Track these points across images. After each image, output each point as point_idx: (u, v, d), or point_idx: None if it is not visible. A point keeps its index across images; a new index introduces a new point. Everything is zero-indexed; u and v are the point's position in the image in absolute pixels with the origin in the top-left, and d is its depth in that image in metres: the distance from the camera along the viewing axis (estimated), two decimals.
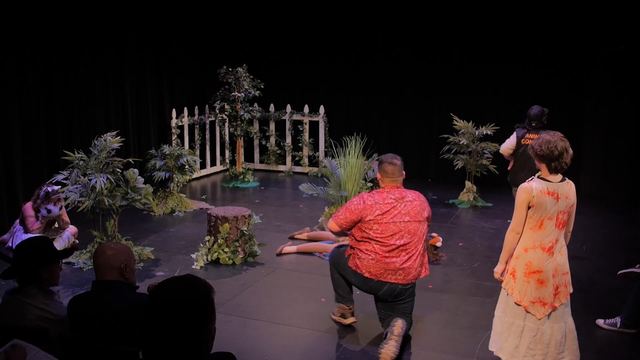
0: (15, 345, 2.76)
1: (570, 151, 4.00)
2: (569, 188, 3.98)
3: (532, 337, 3.97)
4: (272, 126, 11.03)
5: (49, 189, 6.46)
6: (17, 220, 6.76)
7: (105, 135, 6.37)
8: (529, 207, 3.93)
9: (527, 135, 6.81)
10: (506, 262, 4.08)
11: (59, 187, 6.41)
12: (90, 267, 6.03)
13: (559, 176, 3.98)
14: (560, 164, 3.93)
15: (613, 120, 9.18)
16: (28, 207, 6.57)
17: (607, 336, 4.90)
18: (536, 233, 3.95)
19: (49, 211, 6.45)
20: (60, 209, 6.53)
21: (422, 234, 4.69)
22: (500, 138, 8.08)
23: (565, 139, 4.00)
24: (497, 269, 4.15)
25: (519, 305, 3.99)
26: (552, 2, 9.37)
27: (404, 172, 4.81)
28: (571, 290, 4.07)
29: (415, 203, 4.68)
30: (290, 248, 6.81)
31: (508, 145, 7.04)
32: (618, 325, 4.93)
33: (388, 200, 4.64)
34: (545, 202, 3.88)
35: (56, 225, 6.65)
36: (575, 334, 4.09)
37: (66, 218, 6.71)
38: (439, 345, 4.73)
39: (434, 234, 6.64)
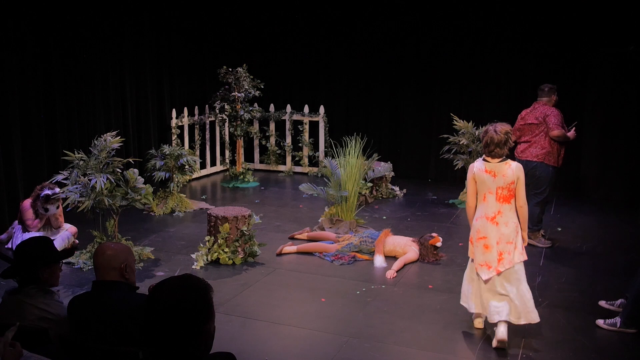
0: (15, 344, 2.76)
1: (503, 144, 4.55)
2: (506, 168, 4.61)
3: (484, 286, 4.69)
4: (272, 126, 11.03)
5: (50, 191, 6.47)
6: (16, 221, 6.77)
7: (105, 135, 6.38)
8: (476, 183, 4.69)
9: None
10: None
11: (59, 189, 6.42)
12: (90, 267, 6.03)
13: (499, 158, 4.62)
14: (487, 150, 4.61)
15: (613, 119, 9.17)
16: (27, 206, 6.58)
17: (607, 336, 4.89)
18: (482, 205, 4.72)
19: (47, 209, 6.50)
20: (57, 207, 6.57)
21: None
22: None
23: (503, 133, 4.56)
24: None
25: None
26: (553, 1, 9.37)
27: (555, 97, 7.00)
28: (521, 259, 4.64)
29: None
30: (290, 248, 6.81)
31: None
32: (618, 325, 4.93)
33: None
34: (484, 178, 4.65)
35: (53, 227, 6.67)
36: (527, 297, 4.63)
37: (61, 218, 6.75)
38: (439, 345, 4.72)
39: (434, 234, 6.65)
